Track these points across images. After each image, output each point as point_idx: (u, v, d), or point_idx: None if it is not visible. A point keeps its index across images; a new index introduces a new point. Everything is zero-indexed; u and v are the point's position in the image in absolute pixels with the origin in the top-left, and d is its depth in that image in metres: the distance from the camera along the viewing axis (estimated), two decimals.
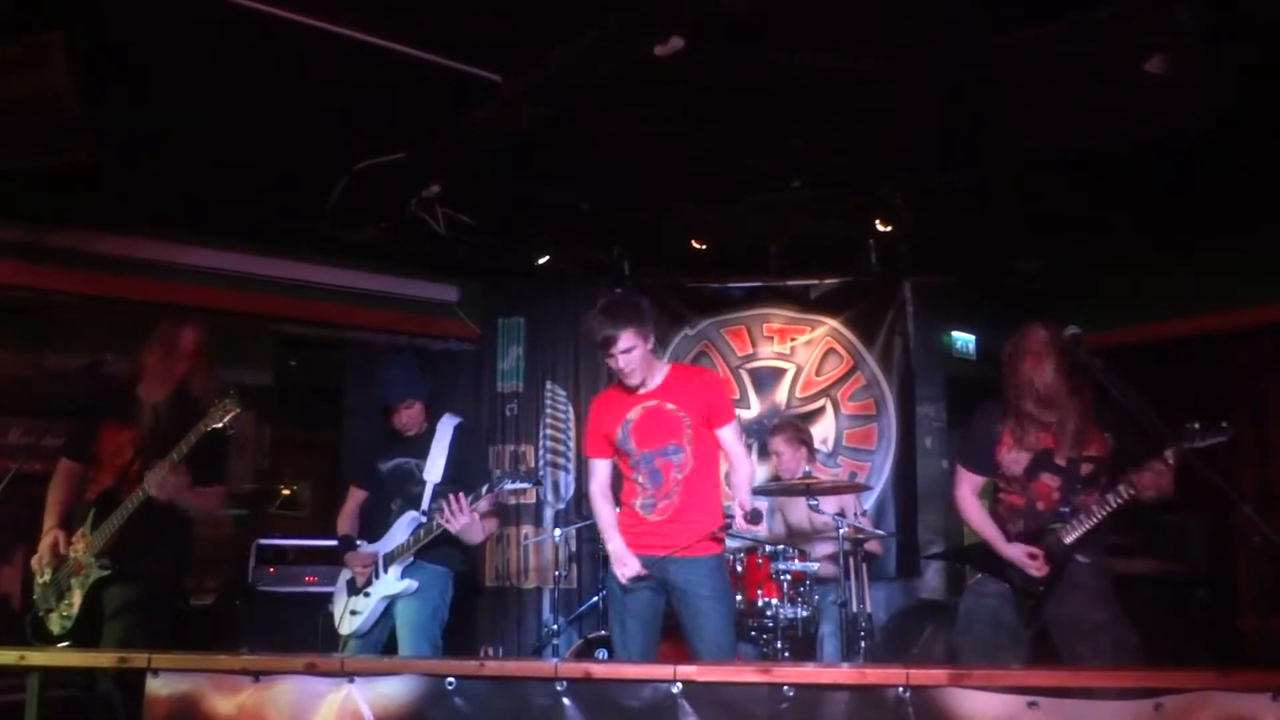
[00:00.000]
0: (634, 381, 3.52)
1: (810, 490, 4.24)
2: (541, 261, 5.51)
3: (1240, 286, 5.39)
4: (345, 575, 3.96)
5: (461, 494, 3.61)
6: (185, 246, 5.09)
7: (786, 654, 4.17)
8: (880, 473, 5.66)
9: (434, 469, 3.90)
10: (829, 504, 4.69)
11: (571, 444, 5.85)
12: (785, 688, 2.79)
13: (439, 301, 5.90)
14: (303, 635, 4.71)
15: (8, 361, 5.07)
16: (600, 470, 3.68)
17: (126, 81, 3.76)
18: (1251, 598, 4.65)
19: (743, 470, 3.58)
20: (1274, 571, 4.53)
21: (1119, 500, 3.39)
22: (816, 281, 5.91)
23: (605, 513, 3.64)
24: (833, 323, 5.86)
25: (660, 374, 3.59)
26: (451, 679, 2.91)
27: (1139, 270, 5.92)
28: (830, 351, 5.86)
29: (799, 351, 5.82)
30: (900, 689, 2.75)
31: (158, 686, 3.02)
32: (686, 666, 2.87)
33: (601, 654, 4.36)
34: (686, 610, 3.47)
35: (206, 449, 3.57)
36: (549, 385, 5.91)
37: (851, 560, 4.37)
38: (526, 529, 5.73)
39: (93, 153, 3.41)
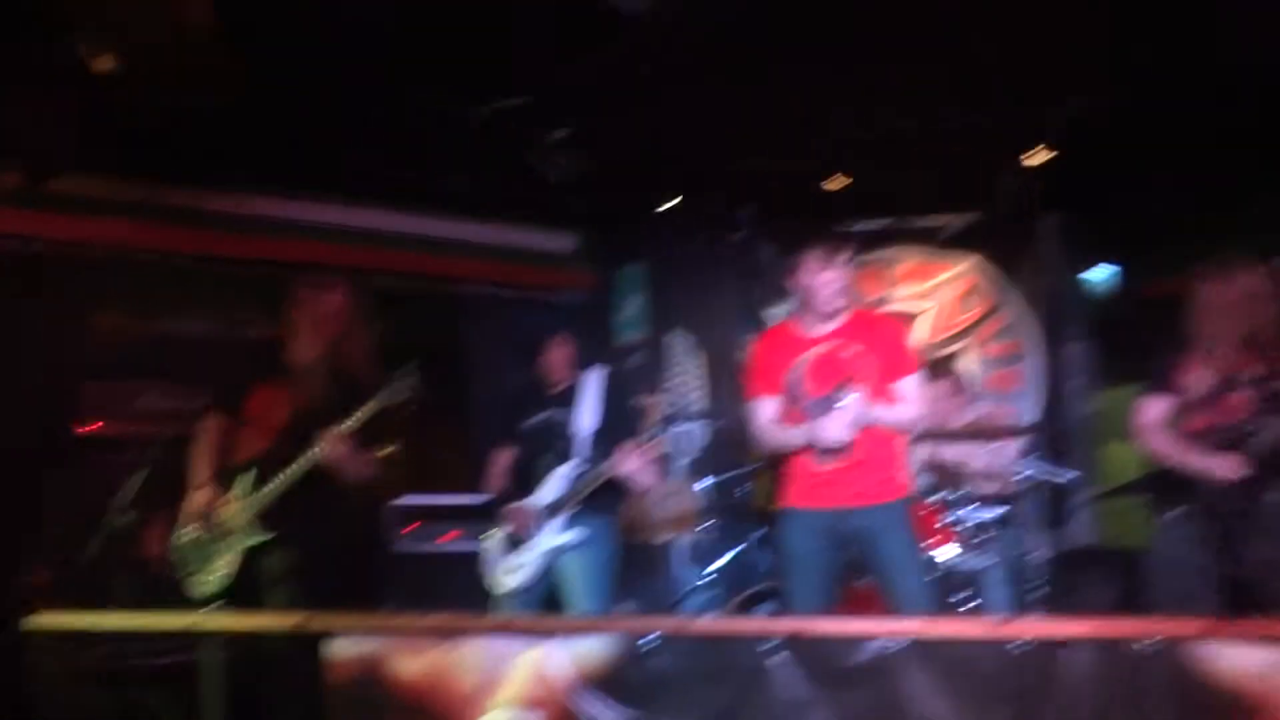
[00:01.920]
0: (839, 304, 3.25)
1: (982, 433, 3.99)
2: (667, 207, 5.27)
3: None
4: (502, 532, 3.84)
5: (631, 438, 3.45)
6: (298, 202, 4.94)
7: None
8: (1027, 418, 5.38)
9: (587, 419, 3.76)
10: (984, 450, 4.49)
11: (700, 394, 5.64)
12: (1018, 642, 2.59)
13: (556, 252, 5.70)
14: (445, 594, 4.60)
15: (132, 324, 4.99)
16: (764, 411, 3.40)
17: (256, 21, 3.59)
18: None
19: (907, 416, 3.32)
20: None
21: None
22: (954, 218, 5.62)
23: (778, 433, 3.38)
24: (971, 261, 5.57)
25: (840, 317, 3.34)
26: (654, 637, 2.76)
27: None
28: (970, 290, 5.58)
29: (935, 292, 5.55)
30: (1147, 642, 2.53)
31: (339, 650, 2.91)
32: (910, 622, 2.69)
33: (767, 608, 4.18)
34: (877, 562, 3.26)
35: (376, 419, 3.45)
36: (674, 334, 5.71)
37: (1022, 507, 4.14)
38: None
39: (228, 90, 3.24)
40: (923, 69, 4.22)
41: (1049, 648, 2.57)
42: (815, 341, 3.33)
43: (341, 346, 3.54)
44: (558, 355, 3.79)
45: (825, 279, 3.23)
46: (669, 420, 3.54)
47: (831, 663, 2.67)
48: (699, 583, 4.87)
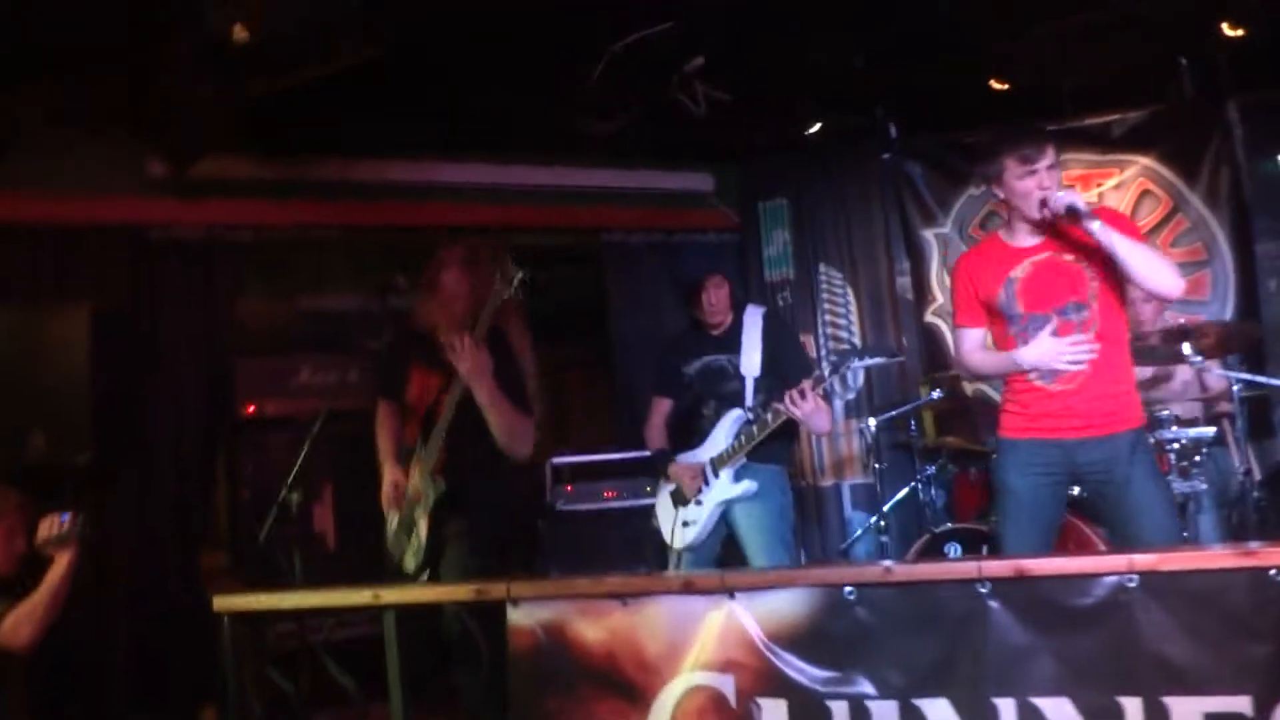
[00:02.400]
0: (1048, 209, 2.85)
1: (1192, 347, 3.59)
2: (811, 132, 4.98)
3: None
4: (667, 488, 3.69)
5: (806, 381, 3.23)
6: (434, 163, 4.86)
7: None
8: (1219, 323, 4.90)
9: (750, 362, 3.58)
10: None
11: (855, 329, 5.38)
12: (1273, 572, 2.28)
13: (694, 192, 5.49)
14: (608, 552, 4.54)
15: (275, 305, 5.05)
16: (970, 339, 3.11)
17: None
18: None
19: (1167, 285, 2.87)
20: None
21: None
22: (1120, 117, 5.13)
23: (989, 357, 3.09)
24: (1145, 160, 5.09)
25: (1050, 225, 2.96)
26: (850, 589, 2.55)
27: None
28: (1145, 194, 5.10)
29: (1107, 197, 5.08)
30: None
31: (520, 616, 2.81)
32: (1143, 555, 2.40)
33: (952, 549, 3.93)
34: (1113, 498, 2.91)
35: (507, 371, 3.32)
36: (822, 269, 5.44)
37: (1231, 423, 3.74)
38: None
39: (369, 47, 3.13)
40: None
41: None
42: (1025, 253, 2.99)
43: (476, 319, 3.38)
44: (716, 296, 3.59)
45: (1031, 183, 2.87)
46: (836, 358, 3.29)
47: (1056, 605, 2.42)
48: (869, 526, 4.64)
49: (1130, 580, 2.36)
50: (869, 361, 3.22)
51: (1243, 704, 2.25)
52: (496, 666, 3.07)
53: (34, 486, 3.43)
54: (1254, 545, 2.37)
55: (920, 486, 4.67)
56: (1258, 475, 3.90)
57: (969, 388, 5.09)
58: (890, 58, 4.56)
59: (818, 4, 3.93)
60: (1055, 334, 2.90)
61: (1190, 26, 4.42)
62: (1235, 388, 3.65)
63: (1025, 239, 2.99)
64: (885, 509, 4.62)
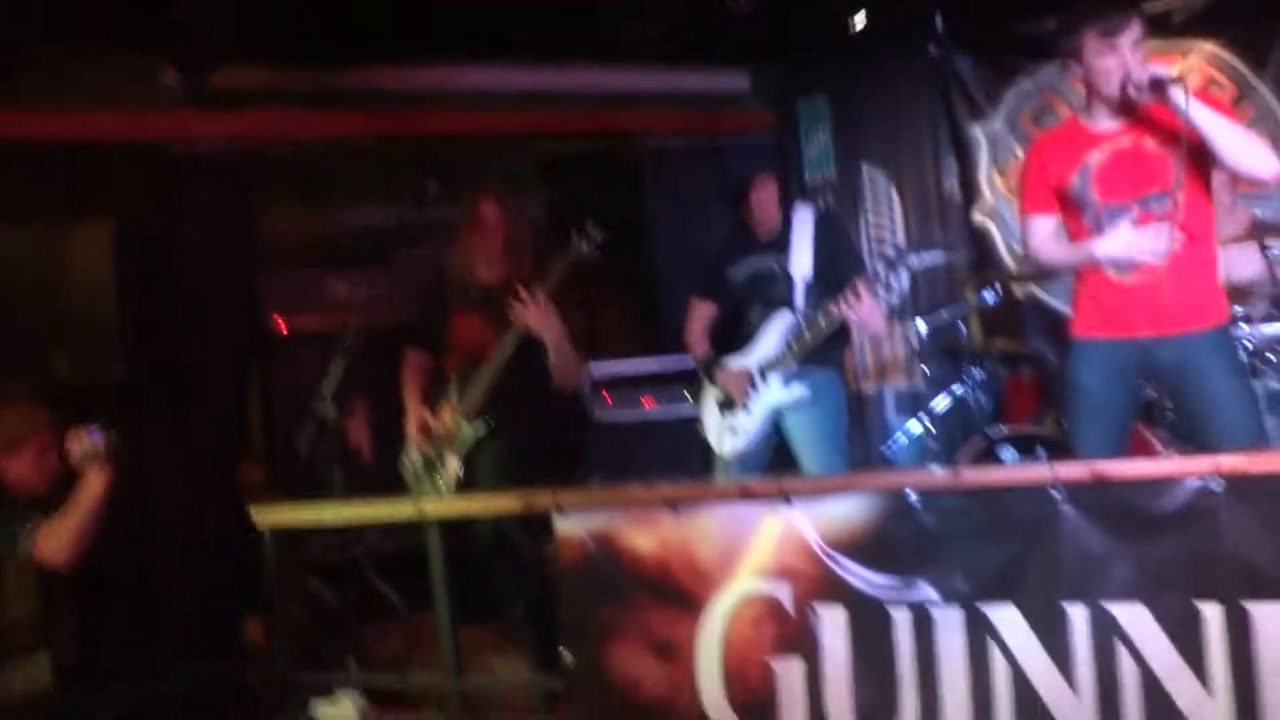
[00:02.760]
0: (1130, 90, 2.62)
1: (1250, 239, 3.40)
2: (858, 23, 4.70)
3: None
4: (713, 396, 3.58)
5: (860, 280, 3.09)
6: (464, 69, 4.65)
7: None
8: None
9: (801, 264, 3.42)
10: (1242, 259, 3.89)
11: (899, 231, 5.17)
12: None
13: (729, 93, 5.25)
14: (648, 462, 4.45)
15: (306, 219, 4.92)
16: (1041, 228, 2.90)
17: None
18: None
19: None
20: None
21: None
22: (1184, 1, 4.83)
23: (1063, 249, 2.89)
24: (1209, 46, 4.78)
25: (1134, 106, 2.72)
26: (916, 494, 2.45)
27: None
28: (1209, 82, 4.81)
29: None
30: None
31: (569, 526, 2.76)
32: (1230, 457, 2.27)
33: (1008, 453, 3.81)
34: (1189, 393, 2.75)
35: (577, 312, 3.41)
36: (864, 169, 5.20)
37: None
38: None
39: None
40: None
41: None
42: (1104, 138, 2.77)
43: (516, 257, 3.43)
44: (764, 196, 3.43)
45: (1112, 61, 2.64)
46: (893, 254, 3.14)
47: (1134, 510, 2.31)
48: (916, 431, 4.52)
49: (1215, 483, 2.25)
50: (925, 258, 3.07)
51: None
52: (545, 579, 3.03)
53: (65, 406, 3.39)
54: None
55: (968, 390, 4.54)
56: None
57: (1019, 290, 4.91)
58: None
59: None
60: (1135, 224, 2.73)
61: None
62: None
63: (1104, 122, 2.77)
64: (933, 413, 4.49)
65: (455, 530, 3.02)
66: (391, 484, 3.56)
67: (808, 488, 2.58)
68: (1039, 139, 3.06)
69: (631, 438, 4.53)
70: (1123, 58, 2.63)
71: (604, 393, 4.61)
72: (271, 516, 3.24)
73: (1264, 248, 3.51)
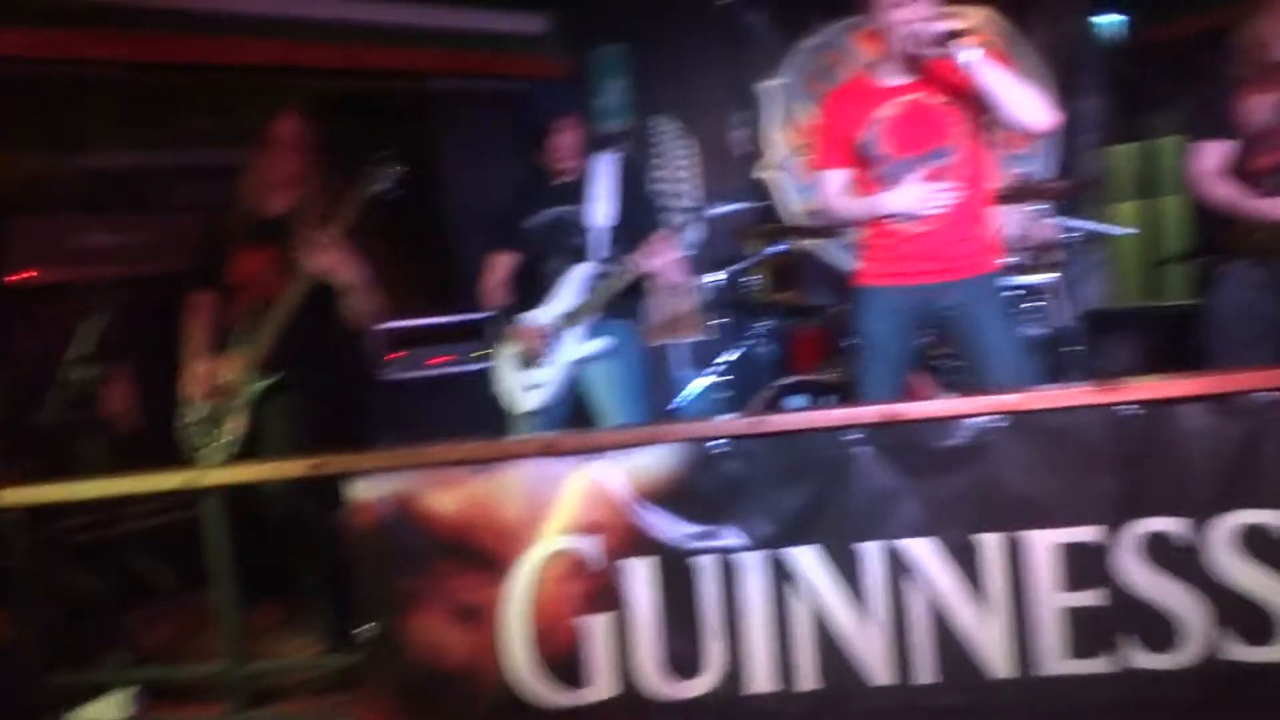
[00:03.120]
0: (923, 45, 2.71)
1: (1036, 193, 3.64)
2: None
3: None
4: (510, 350, 3.47)
5: (662, 230, 3.05)
6: None
7: None
8: (1042, 177, 5.03)
9: (601, 213, 3.34)
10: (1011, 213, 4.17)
11: (692, 183, 5.19)
12: (1122, 407, 2.34)
13: (524, 35, 5.05)
14: (440, 420, 4.29)
15: (60, 153, 4.33)
16: (833, 181, 2.99)
17: None
18: None
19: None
20: None
21: None
22: None
23: (852, 203, 2.98)
24: (983, 14, 5.07)
25: (924, 62, 2.81)
26: (721, 442, 2.46)
27: None
28: (982, 45, 5.10)
29: None
30: (1260, 395, 2.30)
31: (363, 490, 2.60)
32: (1009, 396, 2.41)
33: (797, 400, 3.93)
34: (967, 336, 2.90)
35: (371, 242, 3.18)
36: (658, 120, 5.19)
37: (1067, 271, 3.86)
38: None
39: None
40: None
41: (1163, 408, 2.34)
42: (893, 93, 2.86)
43: (311, 183, 3.19)
44: (566, 141, 3.30)
45: (902, 15, 2.72)
46: (693, 205, 3.13)
47: (921, 448, 2.42)
48: (706, 383, 4.59)
49: (994, 419, 2.38)
50: (727, 208, 3.07)
51: (1093, 533, 2.34)
52: (334, 550, 2.85)
53: None
54: (1110, 382, 2.40)
55: (756, 342, 4.65)
56: (1083, 319, 4.06)
57: (806, 243, 5.07)
58: None
59: None
60: (922, 178, 2.83)
61: None
62: (1074, 235, 3.74)
63: (893, 78, 2.87)
64: (722, 366, 4.57)
65: (238, 500, 2.79)
66: (165, 454, 3.25)
67: (615, 440, 2.54)
68: (830, 95, 3.12)
69: (421, 396, 4.34)
70: (913, 10, 2.70)
71: (391, 350, 4.38)
72: (15, 496, 2.87)
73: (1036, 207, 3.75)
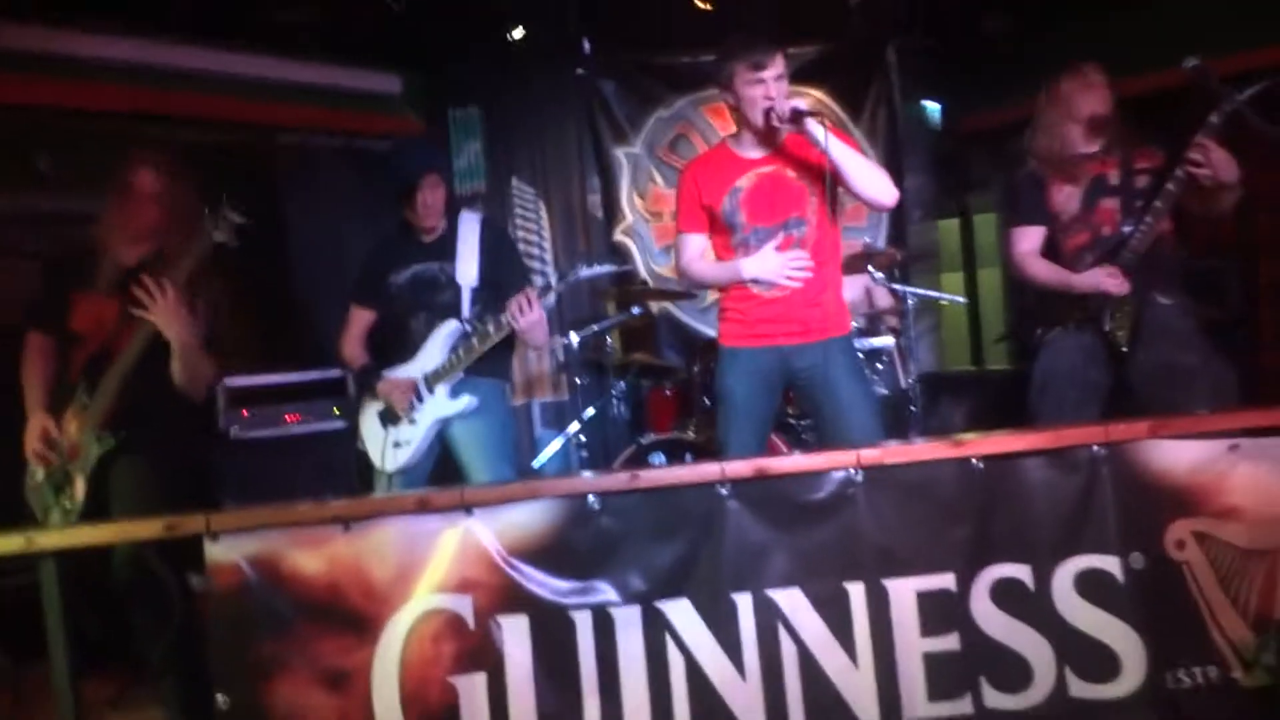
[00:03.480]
0: (774, 119, 2.89)
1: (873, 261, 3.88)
2: (515, 38, 4.73)
3: (1209, 34, 5.19)
4: (374, 407, 3.40)
5: (530, 289, 3.08)
6: (83, 35, 4.04)
7: None
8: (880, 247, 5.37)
9: (467, 271, 3.33)
10: (853, 281, 4.43)
11: (547, 244, 5.27)
12: (974, 461, 2.52)
13: (379, 94, 5.02)
14: (294, 481, 4.15)
15: None
16: (693, 245, 3.13)
17: None
18: (1273, 336, 4.75)
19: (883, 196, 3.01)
20: None
21: (1179, 186, 3.24)
22: (794, 51, 5.40)
23: (712, 267, 3.14)
24: (817, 93, 5.41)
25: (779, 135, 3.01)
26: (594, 498, 2.49)
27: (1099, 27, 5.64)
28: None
29: None
30: (1095, 448, 2.53)
31: (221, 552, 2.47)
32: (869, 450, 2.55)
33: (657, 459, 4.00)
34: (821, 394, 3.05)
35: (213, 310, 3.05)
36: (515, 183, 5.25)
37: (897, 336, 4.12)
38: None
39: None
40: None
41: (1005, 462, 2.53)
42: (752, 164, 3.03)
43: (167, 237, 3.02)
44: (432, 197, 3.28)
45: (758, 91, 2.89)
46: (563, 267, 3.18)
47: (791, 501, 2.52)
48: (564, 442, 4.62)
49: (856, 473, 2.51)
50: (595, 271, 3.13)
51: (948, 580, 2.49)
52: (186, 616, 2.70)
53: None
54: (960, 437, 2.58)
55: (611, 402, 4.73)
56: (918, 381, 4.32)
57: (655, 306, 5.21)
58: None
59: None
60: (778, 248, 2.99)
61: None
62: (910, 302, 4.00)
63: (752, 150, 3.04)
64: (580, 426, 4.61)
65: (84, 564, 2.59)
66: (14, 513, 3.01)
67: (490, 496, 2.52)
68: (693, 162, 3.28)
69: (272, 455, 4.17)
70: (767, 90, 2.89)
71: (242, 410, 4.20)
72: None
73: (870, 272, 3.99)
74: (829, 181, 2.93)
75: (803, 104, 2.90)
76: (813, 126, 2.86)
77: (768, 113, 2.89)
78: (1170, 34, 4.96)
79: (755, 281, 3.03)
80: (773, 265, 2.99)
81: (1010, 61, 5.67)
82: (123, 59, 4.19)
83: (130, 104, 4.16)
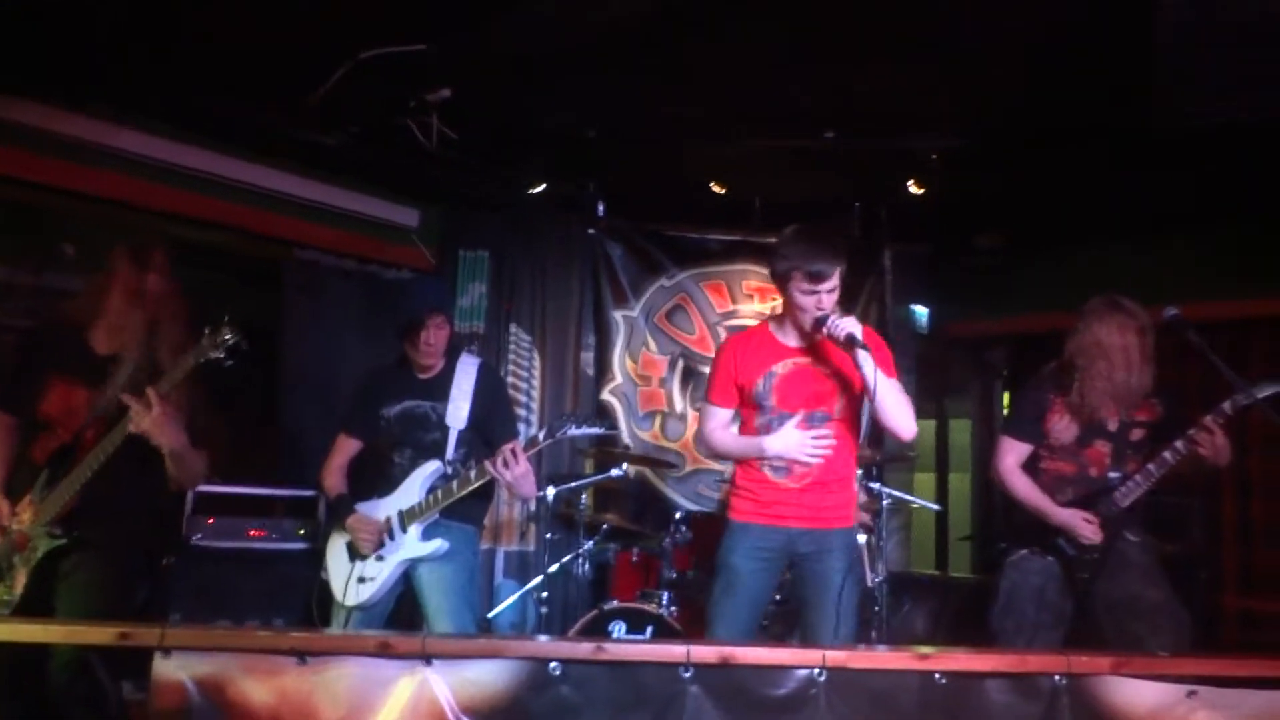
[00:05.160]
0: (824, 331, 2.99)
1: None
2: (534, 192, 4.94)
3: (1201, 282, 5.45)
4: (342, 539, 3.37)
5: (516, 443, 3.11)
6: (115, 127, 4.18)
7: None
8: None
9: (457, 413, 3.36)
10: None
11: (535, 394, 5.34)
12: (938, 675, 2.52)
13: (397, 225, 5.18)
14: (242, 599, 4.06)
15: None
16: (718, 417, 3.21)
17: None
18: (1236, 578, 4.81)
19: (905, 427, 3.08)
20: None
21: (1176, 457, 3.35)
22: None
23: (735, 440, 3.19)
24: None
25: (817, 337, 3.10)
26: (556, 665, 2.46)
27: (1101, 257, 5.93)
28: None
29: (779, 311, 5.52)
30: (1057, 677, 2.54)
31: (170, 669, 2.41)
32: (835, 652, 2.54)
33: (617, 627, 3.94)
34: (814, 586, 3.08)
35: (199, 405, 3.03)
36: (513, 328, 5.36)
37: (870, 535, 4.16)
38: None
39: None
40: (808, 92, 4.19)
41: (968, 680, 2.53)
42: (792, 353, 3.13)
43: (157, 333, 3.02)
44: (435, 336, 3.34)
45: (811, 301, 3.00)
46: (552, 423, 3.21)
47: (752, 693, 2.49)
48: (522, 596, 4.56)
49: (820, 674, 2.50)
50: (585, 431, 3.17)
51: None
52: None
53: None
54: (925, 650, 2.58)
55: (580, 561, 4.69)
56: (880, 583, 4.33)
57: (632, 470, 5.24)
58: (612, 137, 4.66)
59: (570, 72, 3.95)
60: (802, 431, 3.07)
61: (881, 176, 4.94)
62: (885, 502, 4.05)
63: (792, 339, 3.15)
64: (542, 580, 4.56)
65: (18, 660, 2.52)
66: None
67: (451, 649, 2.47)
68: (734, 338, 3.35)
69: (229, 569, 4.09)
70: (820, 301, 3.00)
71: (208, 517, 4.15)
72: None
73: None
74: (866, 411, 3.01)
75: (857, 330, 2.97)
76: (862, 357, 2.94)
77: (819, 321, 3.00)
78: (1162, 275, 5.26)
79: (771, 464, 3.11)
80: (794, 441, 3.06)
81: (997, 275, 5.96)
82: (157, 157, 4.34)
83: (146, 199, 4.28)
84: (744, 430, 3.21)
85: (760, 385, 3.12)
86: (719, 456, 3.37)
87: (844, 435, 3.15)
